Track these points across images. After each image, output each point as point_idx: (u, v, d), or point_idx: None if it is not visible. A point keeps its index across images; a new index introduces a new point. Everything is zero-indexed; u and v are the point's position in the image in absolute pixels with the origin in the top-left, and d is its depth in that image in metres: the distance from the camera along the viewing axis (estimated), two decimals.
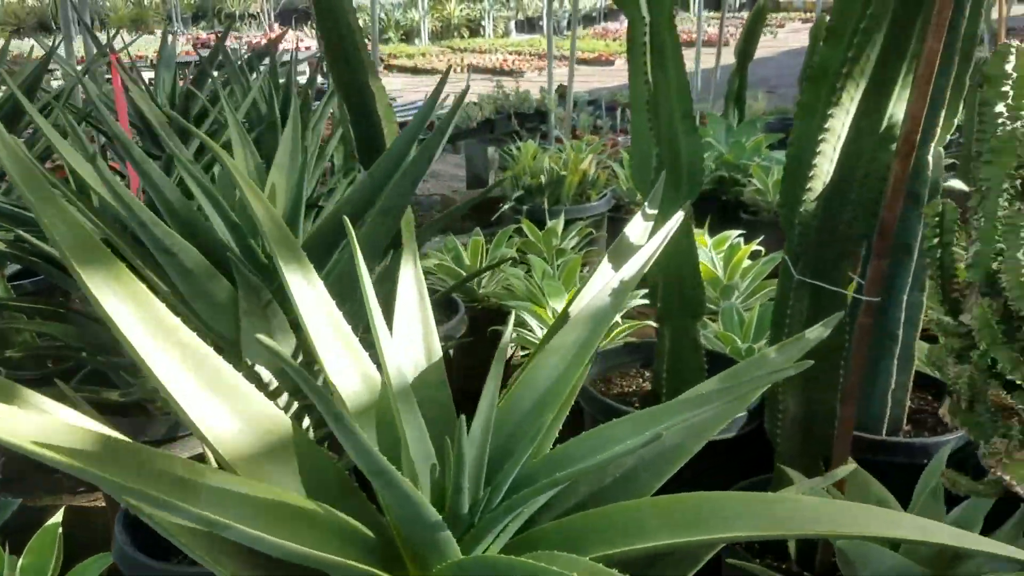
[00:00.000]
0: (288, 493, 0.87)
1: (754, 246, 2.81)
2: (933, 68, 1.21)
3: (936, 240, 1.23)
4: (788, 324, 1.48)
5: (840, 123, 1.30)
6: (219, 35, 3.20)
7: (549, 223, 3.22)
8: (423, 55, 13.09)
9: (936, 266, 1.25)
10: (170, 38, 3.13)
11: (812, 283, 1.43)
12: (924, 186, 1.65)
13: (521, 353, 2.54)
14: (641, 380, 2.17)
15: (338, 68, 2.23)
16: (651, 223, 1.32)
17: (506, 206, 3.63)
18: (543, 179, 3.53)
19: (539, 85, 7.88)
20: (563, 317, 1.21)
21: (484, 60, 12.66)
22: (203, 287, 1.33)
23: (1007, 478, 1.06)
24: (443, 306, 2.58)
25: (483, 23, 15.90)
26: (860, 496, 1.40)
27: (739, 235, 2.94)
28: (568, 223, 3.30)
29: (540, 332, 2.38)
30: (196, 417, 0.86)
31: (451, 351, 2.48)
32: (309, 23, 13.97)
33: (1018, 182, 1.12)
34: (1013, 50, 1.14)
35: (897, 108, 1.31)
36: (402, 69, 12.42)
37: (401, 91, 10.41)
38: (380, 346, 0.96)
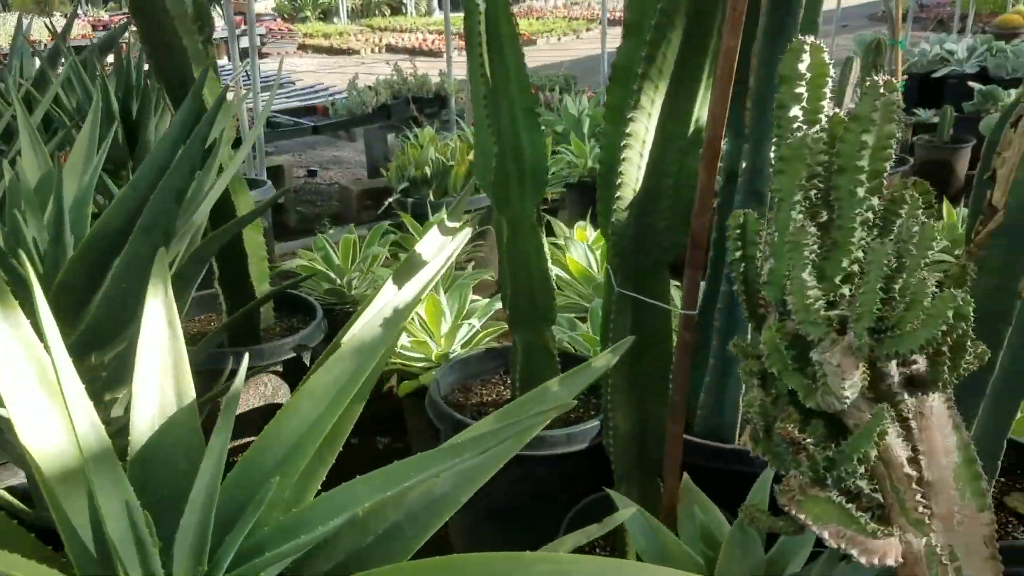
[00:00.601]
0: None
1: None
2: (732, 67, 1.12)
3: (739, 253, 1.15)
4: (611, 339, 1.39)
5: (643, 127, 1.20)
6: (116, 20, 2.97)
7: (431, 217, 3.10)
8: (340, 35, 12.72)
9: (740, 280, 1.17)
10: (44, 22, 2.89)
11: (633, 296, 1.35)
12: (767, 183, 1.58)
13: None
14: (503, 387, 2.08)
15: (159, 56, 2.06)
16: (450, 238, 1.21)
17: (391, 199, 3.49)
18: (428, 170, 3.40)
19: (462, 65, 7.69)
20: (333, 347, 1.09)
21: (404, 40, 12.37)
22: None
23: (802, 516, 0.98)
24: (295, 310, 2.45)
25: (405, 1, 15.55)
26: (687, 511, 1.33)
27: None
28: None
29: (408, 344, 2.26)
30: None
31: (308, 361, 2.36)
32: (219, 3, 13.45)
33: (813, 193, 1.04)
34: (807, 47, 1.06)
35: (704, 110, 1.22)
36: (318, 49, 12.06)
37: (315, 71, 10.11)
38: (66, 398, 0.83)
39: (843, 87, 5.30)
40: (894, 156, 1.03)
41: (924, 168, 4.66)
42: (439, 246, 1.19)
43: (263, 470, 0.92)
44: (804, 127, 1.07)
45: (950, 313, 0.87)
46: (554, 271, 2.30)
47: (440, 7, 17.05)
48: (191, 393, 1.03)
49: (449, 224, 1.22)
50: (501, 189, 1.78)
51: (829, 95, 1.08)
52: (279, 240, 4.43)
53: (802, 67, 1.04)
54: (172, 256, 1.32)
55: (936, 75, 6.41)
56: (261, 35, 10.82)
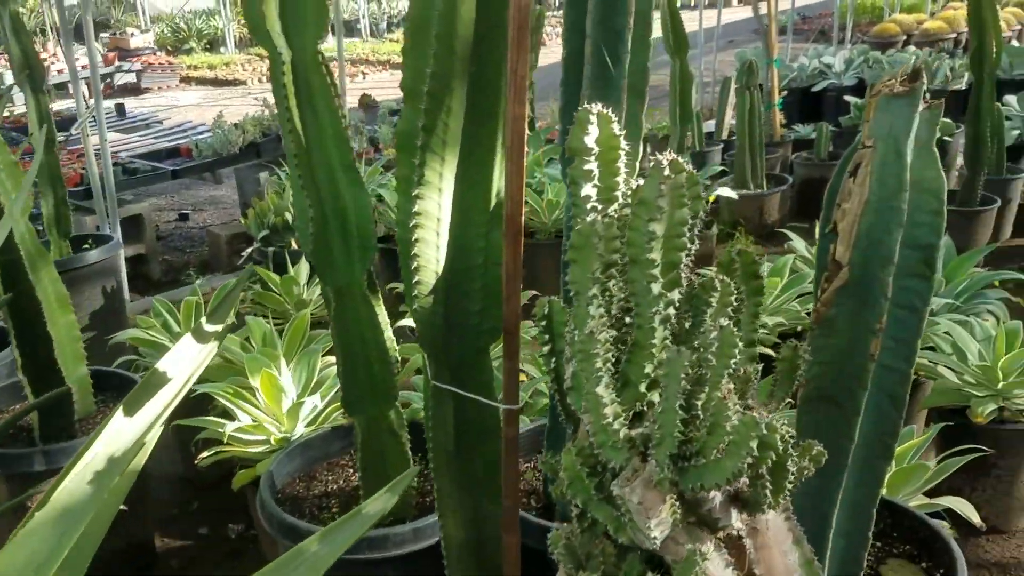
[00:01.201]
0: None
1: None
2: (522, 137, 0.96)
3: (547, 348, 0.99)
4: (433, 439, 1.22)
5: (435, 203, 1.04)
6: None
7: (291, 270, 2.87)
8: (227, 65, 12.27)
9: (552, 379, 1.01)
10: None
11: (452, 389, 1.18)
12: None
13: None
14: (352, 470, 1.87)
15: None
16: (209, 344, 1.01)
17: (251, 248, 3.24)
18: (288, 216, 3.17)
19: (360, 92, 7.45)
20: (31, 515, 0.87)
21: None
22: None
23: None
24: (124, 391, 2.19)
25: None
26: None
27: None
28: None
29: (250, 423, 2.03)
30: None
31: None
32: (97, 38, 12.82)
33: (613, 284, 0.89)
34: (593, 116, 0.91)
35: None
36: (202, 81, 11.59)
37: (198, 105, 9.68)
38: None
39: (722, 107, 5.29)
40: (691, 242, 0.88)
41: (804, 186, 4.69)
42: (193, 359, 0.99)
43: None
44: (599, 207, 0.92)
45: (754, 444, 0.73)
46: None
47: (332, 33, 16.76)
48: None
49: (208, 329, 1.02)
50: (323, 255, 1.58)
51: (624, 170, 0.94)
52: (142, 294, 4.12)
53: (589, 140, 0.89)
54: None
55: (815, 89, 6.53)
56: (138, 70, 10.33)
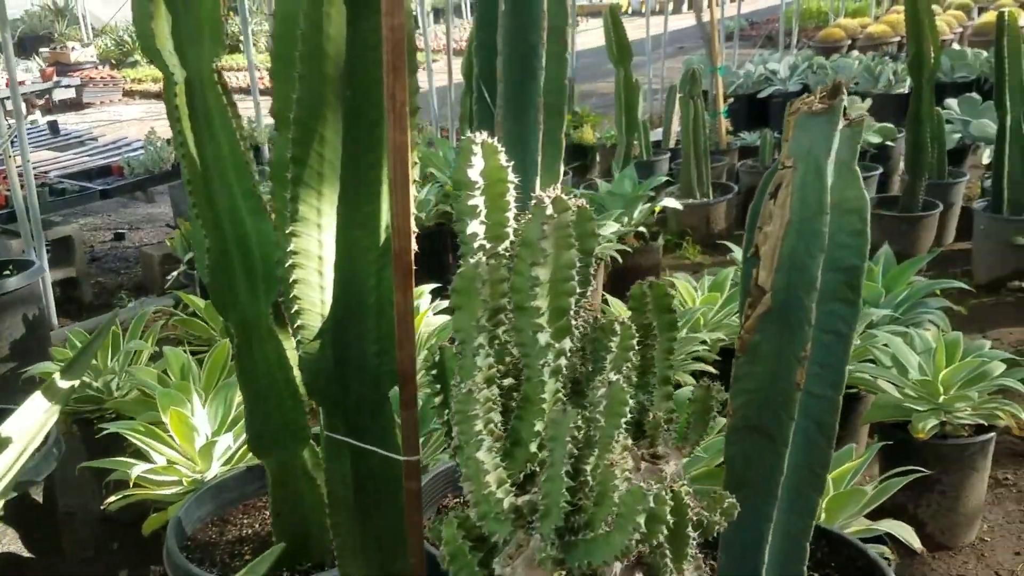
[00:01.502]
0: None
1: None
2: (406, 167, 0.88)
3: (438, 399, 0.90)
4: (330, 493, 1.12)
5: (314, 241, 0.95)
6: None
7: None
8: None
9: (446, 432, 0.93)
10: None
11: (348, 440, 1.09)
12: None
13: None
14: (268, 512, 1.77)
15: None
16: (52, 407, 0.91)
17: (177, 272, 3.11)
18: None
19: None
20: None
21: (241, 79, 11.80)
22: None
23: None
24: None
25: (241, 39, 14.89)
26: None
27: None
28: None
29: (163, 463, 1.91)
30: None
31: None
32: (38, 53, 12.41)
33: (503, 331, 0.81)
34: (476, 146, 0.83)
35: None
36: (146, 95, 11.31)
37: (141, 119, 9.42)
38: None
39: (669, 116, 5.25)
40: (586, 284, 0.81)
41: (750, 195, 4.66)
42: (40, 420, 0.88)
43: None
44: (487, 245, 0.84)
45: (640, 518, 0.66)
46: None
47: None
48: None
49: (62, 384, 0.92)
50: (223, 288, 1.48)
51: (513, 205, 0.86)
52: (73, 319, 3.95)
53: (472, 172, 0.81)
54: None
55: (761, 95, 6.56)
56: (78, 85, 10.04)
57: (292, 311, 0.98)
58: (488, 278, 0.77)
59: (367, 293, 1.00)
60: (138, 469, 1.77)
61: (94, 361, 2.39)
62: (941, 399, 2.05)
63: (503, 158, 0.81)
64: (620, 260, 3.49)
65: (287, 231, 0.92)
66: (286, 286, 0.96)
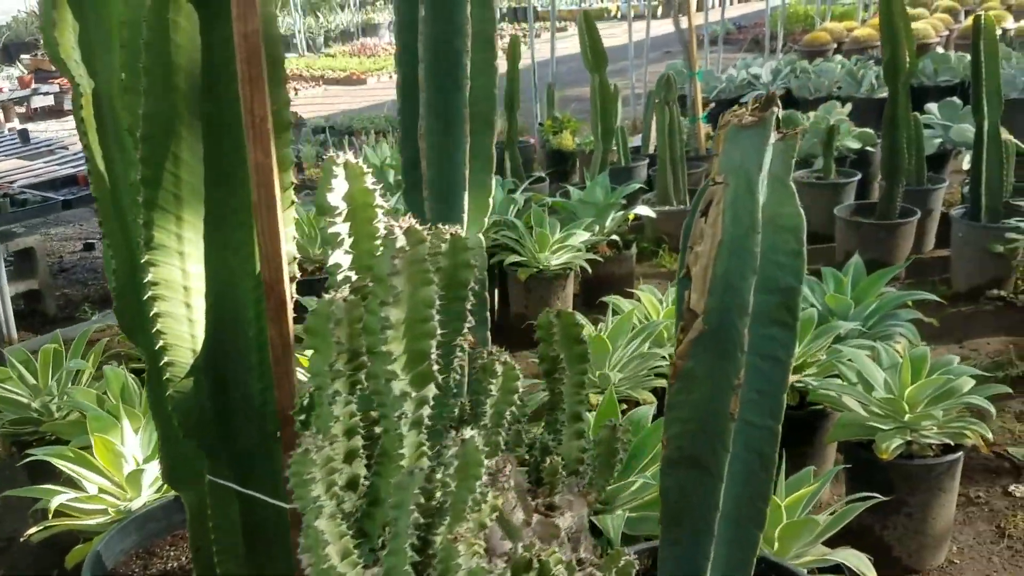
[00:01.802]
0: None
1: None
2: (271, 188, 0.80)
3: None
4: (217, 541, 1.04)
5: (176, 270, 0.86)
6: None
7: None
8: None
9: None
10: None
11: (232, 486, 1.00)
12: None
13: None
14: None
15: None
16: None
17: None
18: None
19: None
20: None
21: None
22: None
23: None
24: None
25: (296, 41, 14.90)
26: None
27: None
28: None
29: (95, 491, 1.82)
30: None
31: None
32: (21, 59, 12.30)
33: (364, 375, 0.73)
34: (338, 167, 0.74)
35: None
36: None
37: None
38: None
39: (647, 121, 5.16)
40: (461, 320, 0.73)
41: None
42: None
43: None
44: (353, 277, 0.76)
45: None
46: None
47: (327, 45, 16.47)
48: None
49: None
50: (131, 313, 1.39)
51: (383, 230, 0.77)
52: (36, 332, 3.86)
53: (333, 197, 0.73)
54: None
55: (743, 100, 6.49)
56: (56, 92, 9.94)
57: (157, 347, 0.89)
58: (343, 317, 0.68)
59: (246, 325, 0.92)
60: (60, 499, 1.68)
61: (34, 381, 2.31)
62: (907, 417, 1.98)
63: (369, 180, 0.73)
64: (590, 270, 3.41)
65: (143, 260, 0.84)
66: (149, 320, 0.88)
